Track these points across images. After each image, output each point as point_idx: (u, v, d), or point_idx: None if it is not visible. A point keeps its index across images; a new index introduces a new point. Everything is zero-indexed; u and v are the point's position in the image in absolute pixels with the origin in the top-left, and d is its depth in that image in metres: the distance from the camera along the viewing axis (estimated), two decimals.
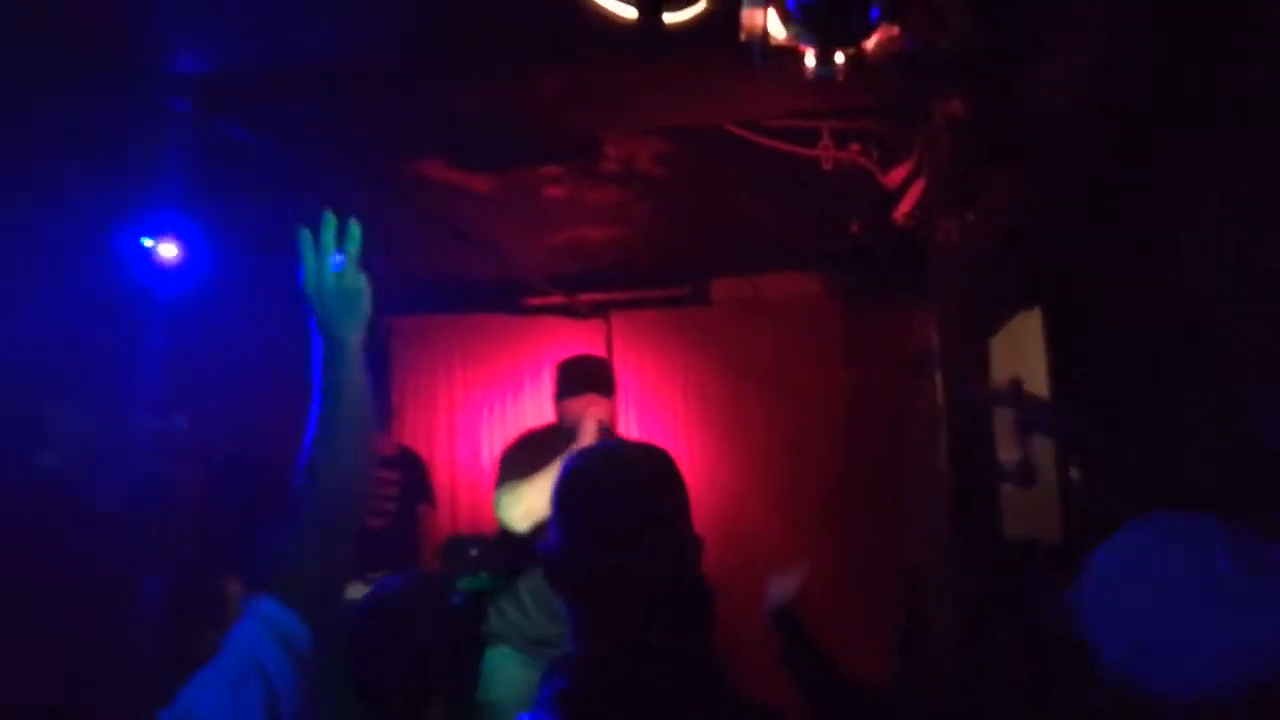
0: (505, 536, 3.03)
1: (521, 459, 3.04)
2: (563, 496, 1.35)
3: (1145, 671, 1.10)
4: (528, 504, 2.87)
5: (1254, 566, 1.08)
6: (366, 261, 1.46)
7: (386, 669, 1.96)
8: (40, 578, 1.09)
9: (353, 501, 1.36)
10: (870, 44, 2.04)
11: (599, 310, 5.61)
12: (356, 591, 2.99)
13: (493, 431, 5.49)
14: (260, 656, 1.09)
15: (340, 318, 1.40)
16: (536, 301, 5.63)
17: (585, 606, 1.29)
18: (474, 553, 4.10)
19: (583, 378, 3.17)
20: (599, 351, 5.58)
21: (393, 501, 4.80)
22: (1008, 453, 3.29)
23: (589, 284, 5.48)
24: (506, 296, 5.60)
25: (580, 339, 5.61)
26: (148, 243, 3.31)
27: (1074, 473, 4.52)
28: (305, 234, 1.42)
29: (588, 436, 2.92)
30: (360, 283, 1.44)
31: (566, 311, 5.64)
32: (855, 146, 3.49)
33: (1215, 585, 1.09)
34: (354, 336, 1.41)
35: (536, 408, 5.56)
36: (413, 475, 5.05)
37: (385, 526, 4.70)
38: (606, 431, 3.04)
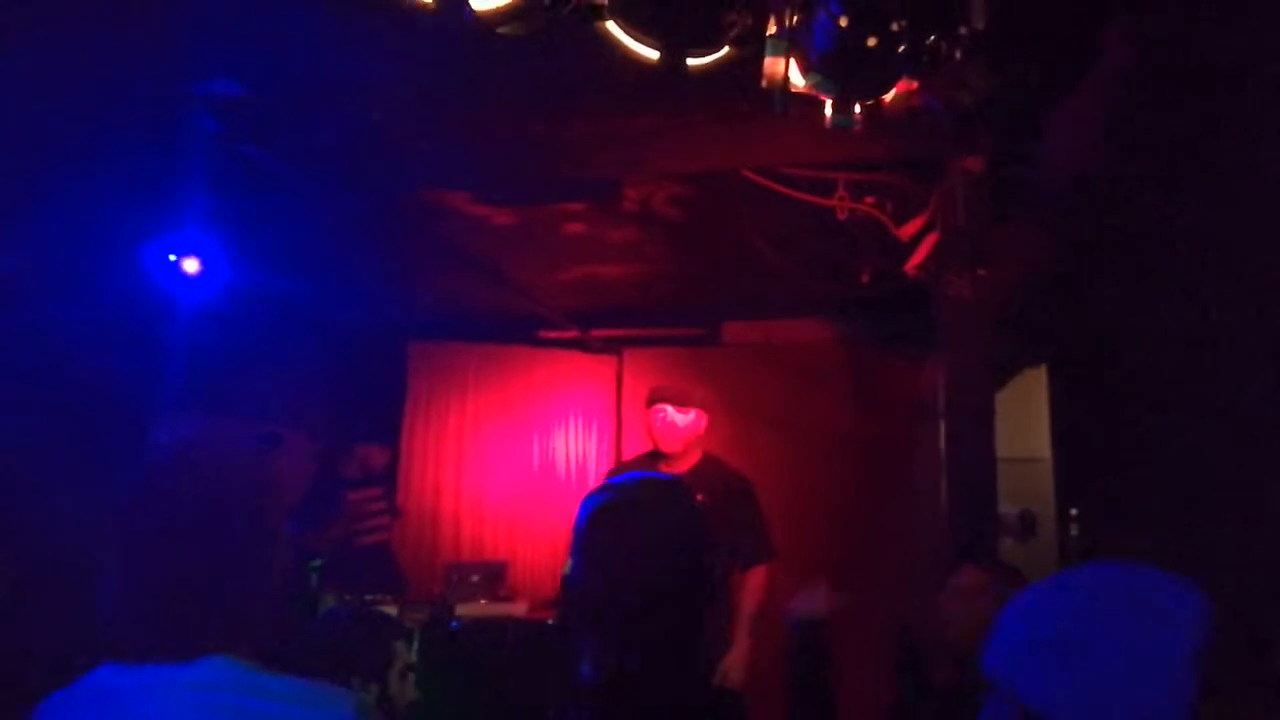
0: None
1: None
2: (579, 528, 1.42)
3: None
4: None
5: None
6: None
7: None
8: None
9: None
10: (889, 97, 2.09)
11: (611, 346, 5.66)
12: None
13: (498, 460, 5.52)
14: None
15: None
16: (551, 334, 5.69)
17: (594, 630, 1.37)
18: (475, 579, 4.11)
19: (655, 392, 3.61)
20: (609, 386, 5.62)
21: (384, 517, 4.82)
22: (1008, 506, 3.31)
23: (602, 320, 5.54)
24: (522, 328, 5.67)
25: (592, 373, 5.65)
26: (172, 257, 3.37)
27: (1073, 528, 4.52)
28: None
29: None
30: None
31: (579, 345, 5.70)
32: (870, 199, 3.54)
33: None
34: None
35: (545, 438, 5.60)
36: (392, 487, 5.07)
37: (377, 544, 4.71)
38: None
